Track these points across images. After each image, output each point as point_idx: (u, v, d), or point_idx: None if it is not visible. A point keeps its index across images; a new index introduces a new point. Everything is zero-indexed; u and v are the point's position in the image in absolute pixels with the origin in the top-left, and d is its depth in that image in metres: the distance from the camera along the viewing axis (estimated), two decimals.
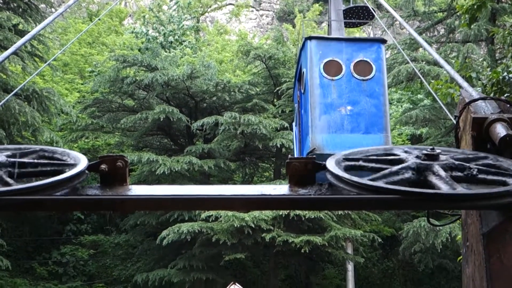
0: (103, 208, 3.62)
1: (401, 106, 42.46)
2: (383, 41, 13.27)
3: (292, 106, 31.79)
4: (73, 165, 3.61)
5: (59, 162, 3.71)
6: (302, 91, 13.68)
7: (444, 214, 5.60)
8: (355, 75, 12.67)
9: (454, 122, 4.39)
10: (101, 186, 3.58)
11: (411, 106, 38.18)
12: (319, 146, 11.91)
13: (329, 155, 12.46)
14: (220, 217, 27.71)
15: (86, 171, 3.59)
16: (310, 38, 12.98)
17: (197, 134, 34.77)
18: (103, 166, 3.57)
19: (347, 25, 20.80)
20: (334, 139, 12.08)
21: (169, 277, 29.50)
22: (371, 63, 12.68)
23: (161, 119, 30.73)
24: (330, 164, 3.66)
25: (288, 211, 27.18)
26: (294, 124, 15.77)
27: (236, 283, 11.20)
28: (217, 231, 27.85)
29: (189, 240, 28.49)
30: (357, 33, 40.52)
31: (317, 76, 12.64)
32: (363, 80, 12.64)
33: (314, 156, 11.33)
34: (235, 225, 27.29)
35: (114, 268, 34.70)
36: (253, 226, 27.42)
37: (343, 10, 18.40)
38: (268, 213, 27.60)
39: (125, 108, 34.67)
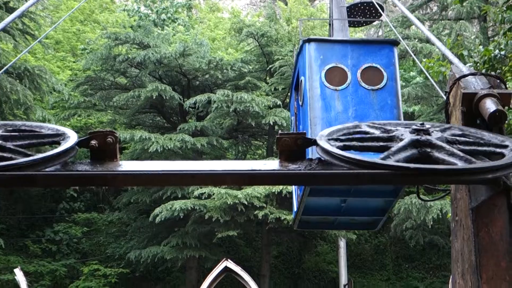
0: (94, 184, 3.63)
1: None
2: (396, 43, 11.54)
3: (285, 84, 31.78)
4: (63, 141, 3.61)
5: (49, 138, 3.71)
6: (300, 103, 11.95)
7: (433, 190, 5.63)
8: (363, 84, 10.96)
9: (445, 98, 4.40)
10: (92, 162, 3.58)
11: (404, 84, 38.16)
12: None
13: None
14: (213, 194, 27.78)
15: (76, 147, 3.59)
16: (309, 40, 11.28)
17: (189, 112, 34.71)
18: (93, 142, 3.57)
19: (352, 24, 17.98)
20: None
21: (162, 254, 29.61)
22: (382, 70, 11.02)
23: (154, 97, 30.66)
24: (321, 140, 3.67)
25: (280, 188, 27.26)
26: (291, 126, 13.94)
27: (229, 260, 11.24)
28: (210, 209, 27.93)
29: (182, 217, 28.58)
30: (360, 33, 39.53)
31: (317, 85, 10.92)
32: (373, 90, 10.93)
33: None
34: (228, 203, 27.37)
35: (107, 245, 34.77)
36: (245, 203, 27.51)
37: (347, 7, 15.47)
38: (260, 190, 27.67)
39: (117, 86, 34.54)
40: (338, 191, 10.81)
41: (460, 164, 3.31)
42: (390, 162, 3.34)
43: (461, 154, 3.43)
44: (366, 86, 10.93)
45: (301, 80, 11.49)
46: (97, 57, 33.11)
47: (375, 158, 3.41)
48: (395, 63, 11.11)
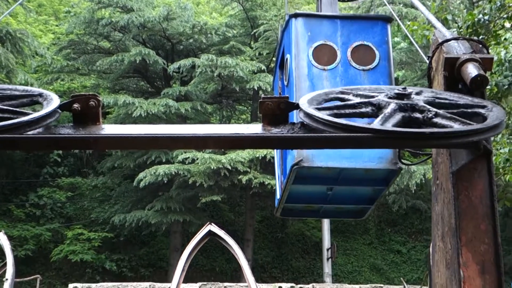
0: (77, 147, 3.63)
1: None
2: (389, 20, 10.72)
3: (269, 48, 31.65)
4: (45, 104, 3.59)
5: (30, 102, 3.69)
6: (285, 82, 11.15)
7: (418, 154, 5.67)
8: (353, 64, 10.19)
9: (427, 62, 4.41)
10: (74, 126, 3.57)
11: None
12: (306, 157, 9.58)
13: (319, 168, 9.64)
14: (197, 159, 27.81)
15: (59, 110, 3.58)
16: (296, 15, 10.44)
17: (173, 77, 34.58)
18: (75, 105, 3.55)
19: None
20: None
21: (147, 219, 29.73)
22: (374, 49, 10.22)
23: (137, 61, 30.49)
24: (304, 104, 3.67)
25: (264, 153, 27.32)
26: None
27: (212, 223, 11.26)
28: (194, 173, 27.99)
29: (166, 182, 28.64)
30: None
31: (304, 64, 10.16)
32: (364, 70, 10.17)
33: (298, 166, 9.53)
34: (212, 167, 27.43)
35: (91, 210, 34.83)
36: (229, 168, 27.59)
37: None
38: (244, 155, 27.73)
39: (100, 50, 34.28)
40: (325, 179, 10.19)
41: (445, 128, 3.34)
42: (373, 126, 3.36)
43: (448, 116, 3.46)
44: (357, 66, 10.17)
45: (287, 58, 10.78)
46: (80, 21, 32.78)
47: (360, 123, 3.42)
48: (388, 41, 10.32)
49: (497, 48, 11.69)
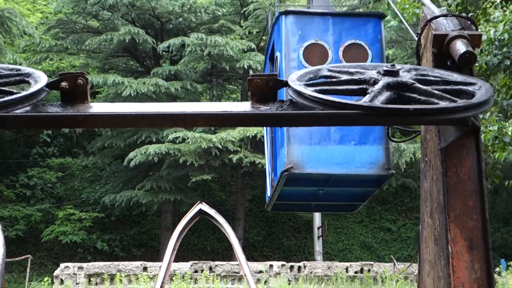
0: (65, 125, 3.61)
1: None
2: (382, 16, 10.39)
3: (259, 27, 31.53)
4: (33, 83, 3.58)
5: (18, 80, 3.67)
6: None
7: (408, 132, 5.68)
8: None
9: (416, 39, 4.41)
10: (62, 104, 3.55)
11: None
12: (297, 163, 9.33)
13: (311, 175, 9.42)
14: (187, 138, 27.80)
15: (46, 89, 3.56)
16: (286, 13, 10.07)
17: (163, 56, 34.44)
18: (63, 84, 3.53)
19: None
20: (318, 153, 9.48)
21: (137, 198, 29.76)
22: (366, 48, 9.86)
23: (127, 41, 30.32)
24: (293, 81, 3.67)
25: (255, 132, 27.34)
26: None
27: (203, 202, 11.27)
28: (185, 153, 27.98)
29: (156, 161, 28.64)
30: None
31: (295, 65, 9.69)
32: None
33: (289, 172, 9.29)
34: (202, 147, 27.43)
35: (82, 190, 34.83)
36: (220, 147, 27.59)
37: None
38: (235, 134, 27.73)
39: (89, 29, 34.07)
40: (316, 182, 9.98)
41: (434, 104, 3.35)
42: (359, 102, 3.36)
43: (436, 93, 3.46)
44: None
45: (277, 56, 10.52)
46: (69, 0, 32.53)
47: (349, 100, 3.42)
48: (381, 39, 9.97)
49: (487, 27, 11.71)
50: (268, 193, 11.69)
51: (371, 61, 9.61)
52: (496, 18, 11.35)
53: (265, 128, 12.09)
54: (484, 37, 11.46)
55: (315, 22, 10.00)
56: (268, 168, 11.83)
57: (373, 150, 9.42)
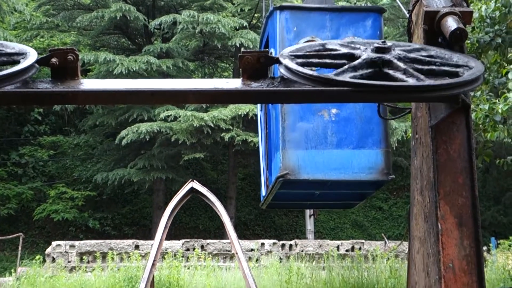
0: (55, 102, 3.60)
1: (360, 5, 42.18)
2: (382, 11, 9.94)
3: (251, 4, 31.34)
4: (23, 59, 3.56)
5: (7, 56, 3.65)
6: None
7: (399, 111, 5.69)
8: None
9: (407, 16, 4.40)
10: (53, 80, 3.54)
11: (370, 5, 37.91)
12: (293, 169, 8.97)
13: (307, 181, 9.10)
14: (179, 116, 27.75)
15: (36, 65, 3.54)
16: (281, 8, 9.53)
17: (155, 33, 34.26)
18: (53, 60, 3.52)
19: None
20: (314, 157, 9.09)
21: (129, 177, 29.74)
22: None
23: (118, 18, 30.11)
24: (283, 57, 3.66)
25: (247, 110, 27.30)
26: (258, 119, 11.88)
27: (195, 181, 11.27)
28: (176, 131, 27.94)
29: (148, 140, 28.60)
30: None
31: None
32: None
33: (284, 179, 8.93)
34: (194, 125, 27.39)
35: (74, 168, 34.78)
36: (212, 125, 27.56)
37: None
38: (227, 113, 27.69)
39: (80, 6, 33.78)
40: (313, 185, 9.66)
41: (412, 81, 3.34)
42: (345, 78, 3.36)
43: (425, 70, 3.46)
44: None
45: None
46: None
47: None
48: (381, 36, 9.54)
49: (478, 4, 11.67)
50: (263, 192, 11.33)
51: None
52: None
53: (259, 123, 11.68)
54: (475, 15, 11.44)
55: (311, 18, 9.47)
56: (262, 166, 11.42)
57: (372, 154, 9.02)
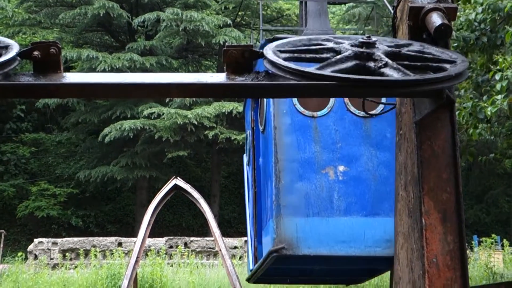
0: (37, 95, 3.57)
1: (345, 4, 42.22)
2: None
3: (235, 2, 31.30)
4: (4, 52, 3.52)
5: None
6: (261, 128, 8.51)
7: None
8: (351, 108, 7.80)
9: (392, 12, 4.40)
10: (35, 74, 3.50)
11: (354, 4, 37.96)
12: (290, 242, 7.37)
13: (308, 257, 7.36)
14: (163, 114, 27.69)
15: (18, 58, 3.50)
16: (275, 40, 7.11)
17: (138, 31, 34.14)
18: (36, 53, 3.48)
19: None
20: (317, 227, 7.48)
21: (112, 174, 29.63)
22: None
23: (101, 15, 29.96)
24: (268, 52, 3.64)
25: (231, 108, 27.28)
26: (245, 174, 10.58)
27: (178, 178, 11.26)
28: (160, 128, 27.88)
29: (131, 137, 28.52)
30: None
31: (286, 110, 7.75)
32: (365, 117, 7.65)
33: (278, 254, 7.25)
34: (178, 122, 27.35)
35: (56, 166, 34.59)
36: (195, 123, 27.53)
37: None
38: (210, 110, 27.66)
39: (63, 3, 33.58)
40: (314, 261, 7.92)
41: (396, 76, 3.34)
42: (329, 72, 3.34)
43: (410, 65, 3.46)
44: (356, 112, 7.72)
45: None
46: None
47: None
48: None
49: (466, 8, 11.67)
50: (251, 265, 9.66)
51: (384, 106, 7.31)
52: (477, 1, 11.29)
53: (246, 180, 10.48)
54: (462, 19, 11.47)
55: None
56: (250, 233, 9.82)
57: (389, 223, 6.34)
